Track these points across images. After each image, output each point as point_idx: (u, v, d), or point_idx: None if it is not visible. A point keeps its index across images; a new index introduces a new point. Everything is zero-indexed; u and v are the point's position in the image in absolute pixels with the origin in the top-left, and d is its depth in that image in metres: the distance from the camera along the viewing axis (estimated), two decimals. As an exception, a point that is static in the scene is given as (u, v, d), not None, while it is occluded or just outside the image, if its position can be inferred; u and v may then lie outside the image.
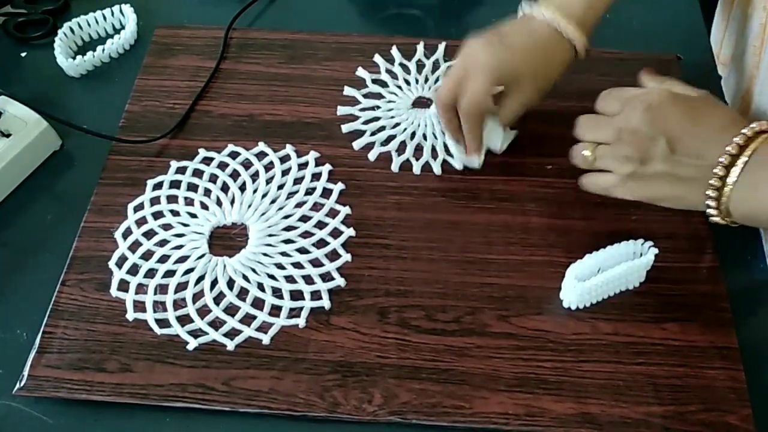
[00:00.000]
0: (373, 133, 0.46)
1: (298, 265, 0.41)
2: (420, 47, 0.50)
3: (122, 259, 0.41)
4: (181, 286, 0.40)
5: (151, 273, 0.40)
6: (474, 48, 0.41)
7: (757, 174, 0.32)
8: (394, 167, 0.45)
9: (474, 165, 0.44)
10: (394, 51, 0.50)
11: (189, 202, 0.43)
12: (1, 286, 0.40)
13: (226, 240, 0.42)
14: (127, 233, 0.42)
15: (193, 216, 0.43)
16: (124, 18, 0.53)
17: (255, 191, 0.44)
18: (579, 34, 0.41)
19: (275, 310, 0.39)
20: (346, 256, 0.41)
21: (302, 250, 0.41)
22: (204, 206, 0.43)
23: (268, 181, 0.44)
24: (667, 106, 0.35)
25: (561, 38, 0.41)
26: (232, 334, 0.38)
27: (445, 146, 0.45)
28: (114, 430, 0.36)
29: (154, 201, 0.43)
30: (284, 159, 0.45)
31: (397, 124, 0.47)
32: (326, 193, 0.44)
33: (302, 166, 0.45)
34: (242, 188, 0.44)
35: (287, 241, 0.42)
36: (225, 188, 0.44)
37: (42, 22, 0.52)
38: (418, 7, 0.49)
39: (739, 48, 0.47)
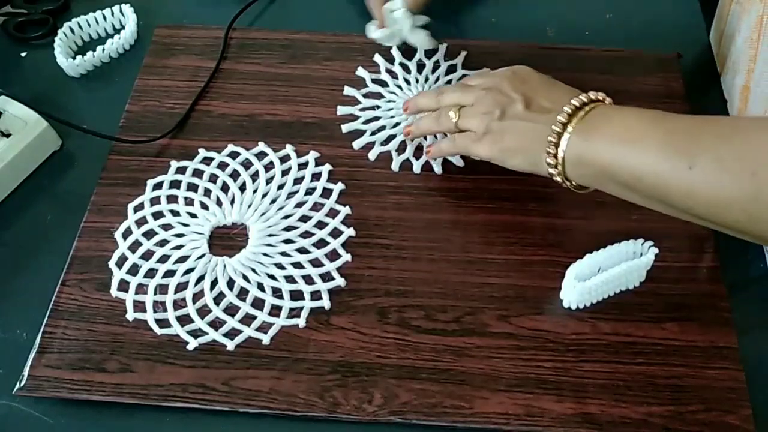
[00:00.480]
0: (373, 133, 0.46)
1: (298, 265, 0.41)
2: (420, 48, 0.50)
3: (122, 259, 0.41)
4: (181, 286, 0.40)
5: (151, 273, 0.40)
6: None
7: (589, 126, 0.35)
8: (394, 167, 0.45)
9: (374, 36, 0.47)
10: (395, 51, 0.50)
11: (189, 202, 0.43)
12: (1, 286, 0.40)
13: (226, 240, 0.42)
14: (127, 233, 0.42)
15: (193, 216, 0.43)
16: (124, 18, 0.53)
17: (255, 191, 0.44)
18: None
19: (275, 310, 0.39)
20: (346, 256, 0.41)
21: (302, 250, 0.41)
22: (204, 206, 0.43)
23: (268, 181, 0.44)
24: (529, 72, 0.40)
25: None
26: (232, 334, 0.38)
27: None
28: (114, 430, 0.36)
29: (154, 201, 0.43)
30: (284, 159, 0.45)
31: (398, 124, 0.47)
32: (326, 193, 0.44)
33: (302, 166, 0.45)
34: (242, 188, 0.44)
35: (287, 241, 0.42)
36: (225, 188, 0.44)
37: (42, 22, 0.52)
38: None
39: (737, 42, 0.47)
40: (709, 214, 0.31)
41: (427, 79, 0.49)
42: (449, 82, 0.49)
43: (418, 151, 0.46)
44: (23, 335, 0.38)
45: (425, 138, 0.46)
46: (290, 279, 0.40)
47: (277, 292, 0.40)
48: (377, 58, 0.50)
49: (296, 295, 0.40)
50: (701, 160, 0.30)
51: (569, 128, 0.35)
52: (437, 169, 0.45)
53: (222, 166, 0.45)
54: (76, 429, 0.36)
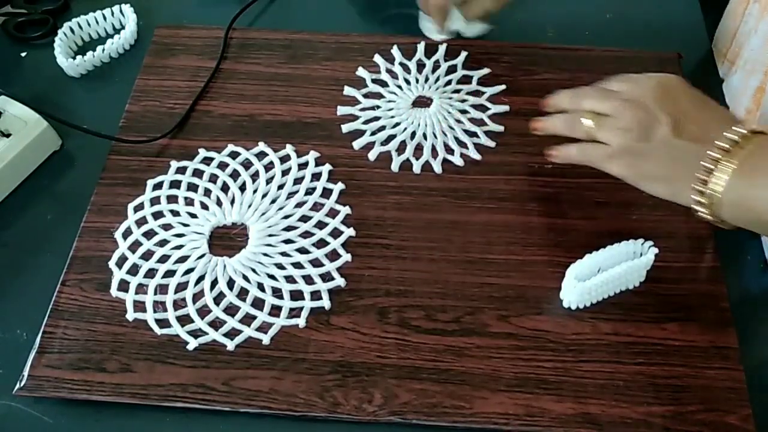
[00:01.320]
0: (373, 133, 0.46)
1: (298, 265, 0.41)
2: (420, 47, 0.50)
3: (122, 259, 0.41)
4: (181, 286, 0.40)
5: (151, 273, 0.40)
6: None
7: (752, 168, 0.31)
8: (394, 167, 0.45)
9: (434, 37, 0.50)
10: (395, 51, 0.50)
11: (189, 202, 0.43)
12: (1, 286, 0.40)
13: (226, 240, 0.42)
14: (127, 233, 0.42)
15: (193, 216, 0.43)
16: (124, 18, 0.53)
17: (255, 191, 0.44)
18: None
19: (275, 310, 0.39)
20: (346, 256, 0.41)
21: (302, 250, 0.41)
22: (204, 206, 0.43)
23: (268, 181, 0.44)
24: (678, 88, 0.35)
25: None
26: (232, 334, 0.38)
27: (445, 146, 0.46)
28: (114, 430, 0.36)
29: (154, 201, 0.43)
30: (284, 159, 0.45)
31: (397, 124, 0.47)
32: (326, 193, 0.44)
33: (302, 166, 0.45)
34: (242, 188, 0.44)
35: (287, 241, 0.42)
36: (225, 188, 0.44)
37: (42, 22, 0.52)
38: (418, 7, 0.49)
39: (752, 42, 0.46)
40: None
41: (427, 79, 0.49)
42: (449, 82, 0.49)
43: (418, 151, 0.46)
44: (23, 335, 0.38)
45: (425, 138, 0.46)
46: (290, 279, 0.40)
47: (277, 292, 0.40)
48: (377, 58, 0.50)
49: (296, 295, 0.39)
50: None
51: (726, 166, 0.31)
52: (437, 169, 0.45)
53: (222, 166, 0.45)
54: (76, 429, 0.36)
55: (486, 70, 0.49)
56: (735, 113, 0.48)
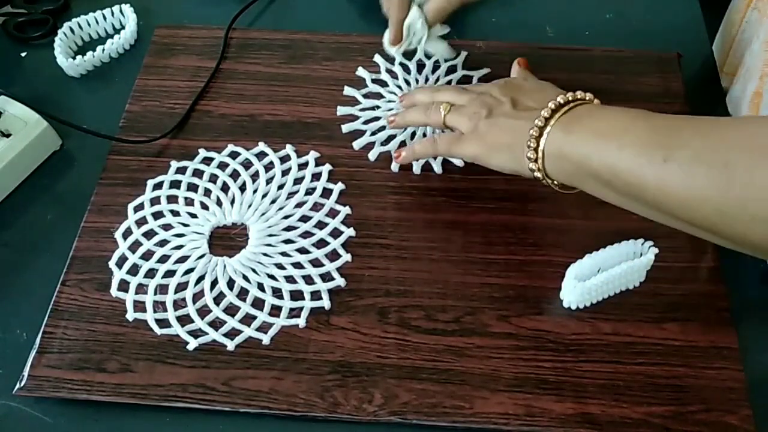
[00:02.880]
0: (373, 133, 0.46)
1: (298, 265, 0.41)
2: (420, 48, 0.50)
3: (122, 259, 0.41)
4: (181, 286, 0.40)
5: (151, 273, 0.40)
6: None
7: (569, 121, 0.35)
8: (394, 167, 0.45)
9: (391, 52, 0.48)
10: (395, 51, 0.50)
11: (189, 202, 0.43)
12: (1, 286, 0.40)
13: (226, 240, 0.42)
14: (127, 233, 0.42)
15: (193, 216, 0.43)
16: (124, 18, 0.53)
17: (255, 191, 0.44)
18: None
19: (275, 310, 0.39)
20: (346, 256, 0.41)
21: (302, 250, 0.41)
22: (204, 206, 0.43)
23: (268, 181, 0.44)
24: (523, 79, 0.41)
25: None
26: (232, 334, 0.38)
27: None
28: (114, 430, 0.36)
29: (154, 201, 0.43)
30: (284, 159, 0.45)
31: (397, 124, 0.47)
32: (326, 193, 0.44)
33: (302, 166, 0.45)
34: (242, 188, 0.44)
35: (287, 241, 0.42)
36: (225, 188, 0.44)
37: (42, 22, 0.52)
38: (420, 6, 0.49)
39: (754, 49, 0.46)
40: (681, 211, 0.31)
41: (427, 80, 0.49)
42: (449, 82, 0.49)
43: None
44: (23, 335, 0.38)
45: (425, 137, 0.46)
46: (290, 279, 0.40)
47: (277, 292, 0.40)
48: (377, 58, 0.50)
49: (296, 295, 0.39)
50: (677, 153, 0.30)
51: (551, 124, 0.35)
52: (437, 169, 0.45)
53: (222, 166, 0.45)
54: (76, 429, 0.36)
55: (486, 70, 0.49)
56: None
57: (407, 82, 0.49)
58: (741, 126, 0.30)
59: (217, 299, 0.39)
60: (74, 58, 0.50)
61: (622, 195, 0.34)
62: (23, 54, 0.51)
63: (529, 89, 0.39)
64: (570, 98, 0.36)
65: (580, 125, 0.34)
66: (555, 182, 0.37)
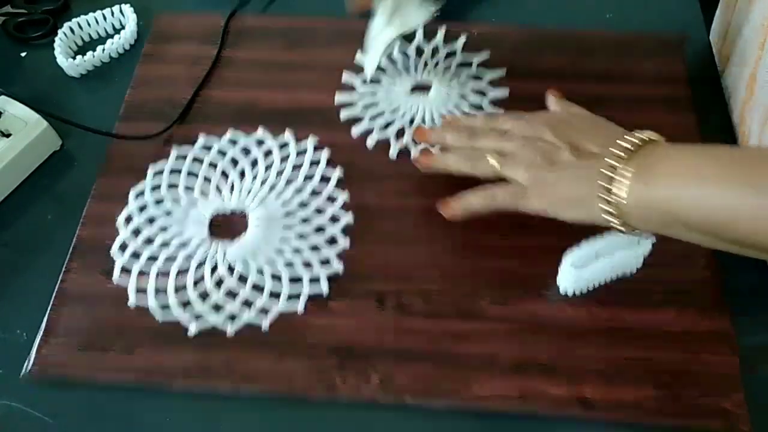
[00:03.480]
0: (371, 119, 0.47)
1: (297, 251, 0.41)
2: (419, 33, 0.50)
3: (124, 246, 0.41)
4: (182, 272, 0.40)
5: (152, 259, 0.41)
6: None
7: (647, 169, 0.33)
8: (393, 153, 0.45)
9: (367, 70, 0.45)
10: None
11: (189, 189, 0.44)
12: (1, 286, 0.40)
13: (226, 226, 0.42)
14: (129, 220, 0.43)
15: (194, 202, 0.43)
16: (124, 18, 0.52)
17: (254, 178, 0.44)
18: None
19: (274, 296, 0.40)
20: (344, 242, 0.41)
21: (301, 236, 0.42)
22: (204, 193, 0.44)
23: (267, 168, 0.44)
24: (568, 117, 0.38)
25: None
26: (232, 318, 0.39)
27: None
28: (115, 430, 0.36)
29: (155, 188, 0.44)
30: (283, 145, 0.46)
31: (396, 110, 0.47)
32: (325, 179, 0.44)
33: (301, 152, 0.45)
34: (242, 175, 0.44)
35: (286, 227, 0.42)
36: (225, 175, 0.44)
37: (42, 22, 0.52)
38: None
39: (745, 33, 0.46)
40: None
41: (425, 65, 0.49)
42: (448, 67, 0.49)
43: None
44: (23, 335, 0.38)
45: (424, 123, 0.46)
46: (289, 264, 0.41)
47: (276, 278, 0.40)
48: (376, 44, 0.50)
49: (295, 281, 0.40)
50: (765, 182, 0.29)
51: (625, 172, 0.33)
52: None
53: (222, 153, 0.45)
54: (76, 429, 0.36)
55: (486, 55, 0.49)
56: (732, 107, 0.47)
57: (406, 69, 0.49)
58: None
59: (218, 284, 0.40)
60: (74, 58, 0.49)
61: (717, 238, 0.32)
62: (23, 54, 0.51)
63: (583, 128, 0.36)
64: (635, 140, 0.33)
65: (657, 172, 0.32)
66: (636, 231, 0.35)
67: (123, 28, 0.52)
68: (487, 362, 0.37)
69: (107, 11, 0.52)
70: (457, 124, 0.40)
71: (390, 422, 0.36)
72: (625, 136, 0.34)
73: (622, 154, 0.33)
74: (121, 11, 0.52)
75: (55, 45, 0.50)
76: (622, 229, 0.34)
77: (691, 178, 0.31)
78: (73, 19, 0.51)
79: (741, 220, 0.30)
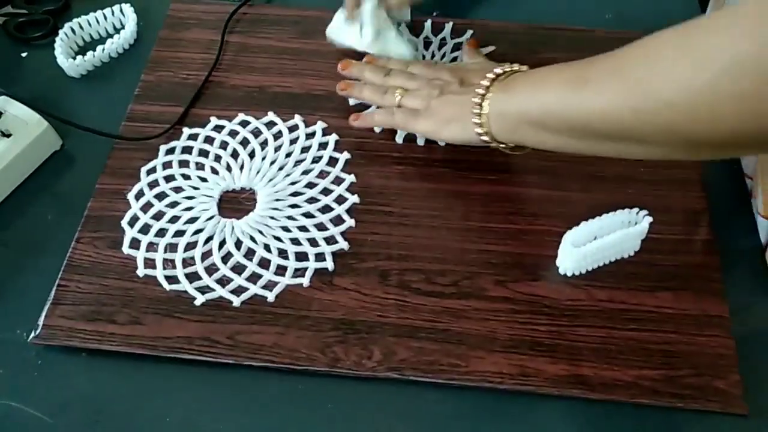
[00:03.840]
0: (379, 106, 0.48)
1: (303, 229, 0.42)
2: (428, 25, 0.52)
3: (134, 219, 0.42)
4: (191, 246, 0.41)
5: (161, 232, 0.42)
6: None
7: (507, 85, 0.39)
8: (399, 138, 0.46)
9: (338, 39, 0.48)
10: (403, 28, 0.51)
11: (200, 166, 0.45)
12: (1, 286, 0.41)
13: (235, 204, 0.43)
14: (140, 195, 0.43)
15: (204, 180, 0.44)
16: (124, 18, 0.53)
17: (264, 158, 0.45)
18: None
19: (281, 270, 0.40)
20: (350, 222, 0.42)
21: (308, 215, 0.43)
22: (214, 171, 0.45)
23: (277, 149, 0.46)
24: (468, 64, 0.45)
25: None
26: (238, 291, 0.40)
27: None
28: (115, 430, 0.36)
29: (167, 165, 0.45)
30: (292, 128, 0.47)
31: (403, 98, 0.48)
32: (332, 161, 0.45)
33: (310, 135, 0.46)
34: (251, 155, 0.45)
35: (293, 206, 0.43)
36: (235, 155, 0.45)
37: (42, 23, 0.52)
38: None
39: None
40: (604, 125, 0.34)
41: (433, 56, 0.50)
42: (455, 59, 0.50)
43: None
44: (23, 335, 0.38)
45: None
46: (296, 241, 0.41)
47: (283, 253, 0.41)
48: (385, 35, 0.51)
49: (301, 257, 0.41)
50: (594, 73, 0.34)
51: (491, 93, 0.39)
52: (441, 141, 0.46)
53: (232, 133, 0.46)
54: (76, 429, 0.36)
55: (491, 48, 0.50)
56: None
57: (414, 58, 0.50)
58: (639, 42, 0.33)
59: (225, 258, 0.41)
60: (74, 58, 0.50)
61: (556, 133, 0.36)
62: (24, 54, 0.51)
63: (475, 69, 0.43)
64: (507, 68, 0.40)
65: (514, 84, 0.39)
66: (502, 144, 0.40)
67: (123, 27, 0.52)
68: (487, 340, 0.38)
69: (107, 11, 0.52)
70: (375, 63, 0.47)
71: (390, 396, 0.37)
72: (498, 68, 0.40)
73: (493, 77, 0.39)
74: (121, 11, 0.52)
75: (56, 45, 0.50)
76: (489, 140, 0.40)
77: (537, 85, 0.37)
78: (74, 20, 0.51)
79: (573, 111, 0.35)
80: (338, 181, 0.44)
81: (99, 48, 0.50)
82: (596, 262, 0.40)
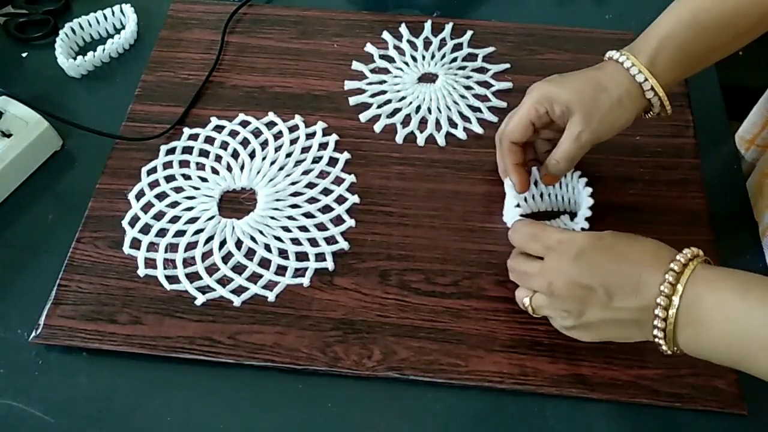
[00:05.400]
0: (379, 106, 0.48)
1: (303, 229, 0.42)
2: (428, 25, 0.52)
3: (135, 219, 0.42)
4: (191, 246, 0.41)
5: (162, 232, 0.42)
6: (534, 84, 0.40)
7: (695, 311, 0.31)
8: (399, 139, 0.46)
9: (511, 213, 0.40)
10: (403, 28, 0.51)
11: (200, 167, 0.45)
12: (1, 286, 0.41)
13: (236, 204, 0.43)
14: (140, 195, 0.44)
15: (204, 180, 0.44)
16: (124, 18, 0.53)
17: (264, 158, 0.45)
18: (654, 82, 0.37)
19: (281, 270, 0.40)
20: (350, 222, 0.42)
21: (308, 215, 0.43)
22: (215, 171, 0.45)
23: (277, 149, 0.46)
24: (593, 250, 0.34)
25: (631, 82, 0.38)
26: (238, 291, 0.40)
27: (449, 120, 0.47)
28: (115, 430, 0.36)
29: (167, 165, 0.45)
30: (293, 128, 0.47)
31: (403, 98, 0.48)
32: (332, 161, 0.45)
33: (310, 135, 0.46)
34: (252, 155, 0.45)
35: (294, 206, 0.43)
36: (235, 155, 0.45)
37: (43, 23, 0.52)
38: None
39: None
40: None
41: (433, 56, 0.50)
42: (455, 60, 0.50)
43: (423, 124, 0.47)
44: (23, 335, 0.39)
45: (430, 112, 0.47)
46: (296, 241, 0.42)
47: (283, 253, 0.41)
48: (385, 35, 0.51)
49: (301, 257, 0.41)
50: None
51: (670, 321, 0.32)
52: (440, 141, 0.46)
53: (233, 134, 0.46)
54: (76, 429, 0.36)
55: (491, 49, 0.51)
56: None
57: (414, 59, 0.50)
58: None
59: (225, 258, 0.41)
60: (75, 58, 0.50)
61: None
62: (24, 54, 0.51)
63: (608, 261, 0.34)
64: (676, 270, 0.32)
65: (702, 326, 0.31)
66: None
67: (123, 28, 0.52)
68: (487, 340, 0.38)
69: (108, 11, 0.52)
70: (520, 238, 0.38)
71: (390, 396, 0.37)
72: (665, 276, 0.32)
73: (664, 303, 0.32)
74: (121, 11, 0.53)
75: (56, 45, 0.50)
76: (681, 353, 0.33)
77: (735, 338, 0.31)
78: (74, 20, 0.51)
79: None
80: (338, 181, 0.44)
81: (99, 48, 0.50)
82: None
